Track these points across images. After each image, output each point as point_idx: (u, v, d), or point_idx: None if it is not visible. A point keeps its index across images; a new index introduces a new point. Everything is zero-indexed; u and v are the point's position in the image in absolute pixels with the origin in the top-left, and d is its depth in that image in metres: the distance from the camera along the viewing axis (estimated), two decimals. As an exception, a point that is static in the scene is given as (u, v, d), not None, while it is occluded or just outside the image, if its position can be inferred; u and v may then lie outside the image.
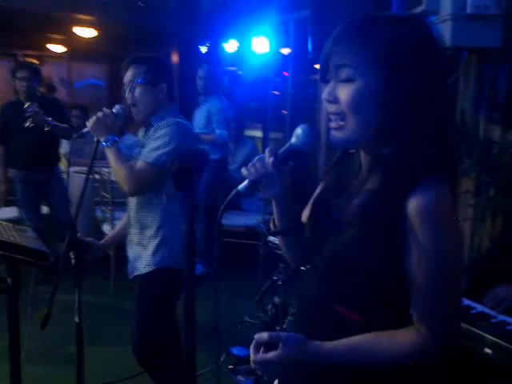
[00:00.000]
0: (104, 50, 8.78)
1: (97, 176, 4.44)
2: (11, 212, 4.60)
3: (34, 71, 4.27)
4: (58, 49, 8.79)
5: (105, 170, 4.29)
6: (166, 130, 2.23)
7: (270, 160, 1.21)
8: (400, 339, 1.08)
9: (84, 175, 4.64)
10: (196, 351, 2.13)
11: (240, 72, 7.03)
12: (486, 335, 1.77)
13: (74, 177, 4.69)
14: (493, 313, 1.97)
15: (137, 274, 2.34)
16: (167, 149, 2.21)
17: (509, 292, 2.10)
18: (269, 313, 2.84)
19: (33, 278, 2.73)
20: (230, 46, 6.52)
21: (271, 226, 1.33)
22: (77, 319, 2.08)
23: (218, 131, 4.61)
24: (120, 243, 2.64)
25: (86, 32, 7.85)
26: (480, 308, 2.01)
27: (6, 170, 4.41)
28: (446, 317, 1.08)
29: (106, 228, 4.38)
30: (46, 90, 5.63)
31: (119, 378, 3.00)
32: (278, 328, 2.62)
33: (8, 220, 3.00)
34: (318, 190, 1.31)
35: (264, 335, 1.09)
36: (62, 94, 8.48)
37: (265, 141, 6.51)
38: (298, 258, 1.29)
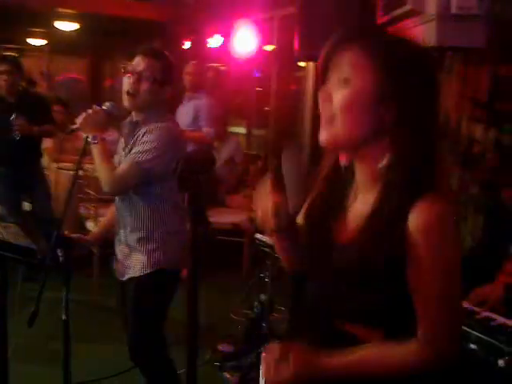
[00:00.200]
0: (85, 43, 8.70)
1: (80, 172, 4.39)
2: (-8, 208, 4.54)
3: (16, 65, 4.21)
4: (38, 42, 8.69)
5: (88, 166, 4.25)
6: (156, 136, 2.19)
7: None
8: (404, 350, 1.10)
9: (66, 171, 4.63)
10: (180, 349, 2.14)
11: (223, 68, 7.01)
12: (471, 330, 1.81)
13: (57, 173, 4.64)
14: (476, 309, 2.01)
15: (131, 276, 2.31)
16: (154, 154, 2.17)
17: (493, 291, 2.15)
18: (255, 310, 2.86)
19: (20, 275, 2.70)
20: (215, 41, 6.50)
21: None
22: (64, 316, 2.07)
23: (205, 129, 4.58)
24: (105, 239, 2.64)
25: (67, 25, 7.76)
26: (464, 305, 2.04)
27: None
28: (448, 327, 1.10)
29: (89, 225, 4.35)
30: (25, 84, 5.56)
31: (104, 376, 2.99)
32: (264, 325, 2.64)
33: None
34: (310, 200, 1.29)
35: (276, 348, 1.12)
36: (42, 88, 8.38)
37: (248, 137, 6.51)
38: (294, 260, 1.31)
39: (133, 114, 2.33)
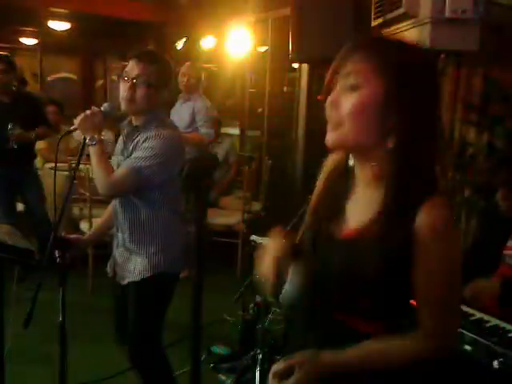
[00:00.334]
0: (78, 43, 8.66)
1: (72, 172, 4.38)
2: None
3: (10, 64, 4.19)
4: (30, 41, 8.64)
5: (82, 166, 4.24)
6: (157, 143, 2.18)
7: None
8: (404, 345, 1.14)
9: (59, 172, 4.61)
10: (175, 351, 2.14)
11: (216, 68, 7.02)
12: (465, 332, 1.83)
13: (50, 173, 4.63)
14: (471, 311, 2.04)
15: (131, 280, 2.30)
16: (154, 161, 2.16)
17: (488, 286, 2.18)
18: (250, 311, 2.86)
19: (16, 276, 2.69)
20: (208, 42, 6.50)
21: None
22: (60, 318, 2.07)
23: (203, 130, 4.57)
24: (100, 240, 2.63)
25: (59, 25, 7.73)
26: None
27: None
28: (449, 323, 1.16)
29: (83, 226, 4.34)
30: (17, 84, 5.54)
31: (101, 377, 2.99)
32: (259, 326, 2.64)
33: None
34: (312, 202, 1.32)
35: (280, 366, 1.14)
36: (33, 87, 8.33)
37: (241, 138, 6.51)
38: None
39: (132, 117, 2.32)
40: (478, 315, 1.98)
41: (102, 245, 3.18)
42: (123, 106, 2.26)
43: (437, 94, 1.17)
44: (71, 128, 2.25)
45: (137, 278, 2.28)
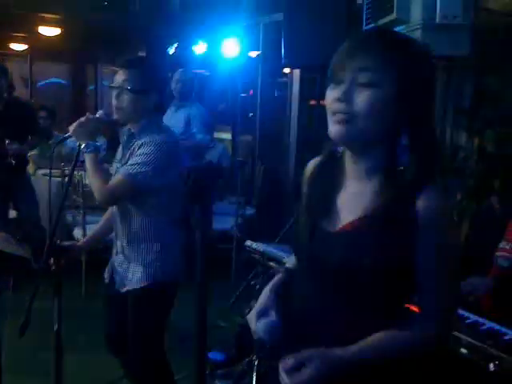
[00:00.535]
0: (68, 48, 8.63)
1: (67, 179, 4.37)
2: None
3: (3, 71, 4.18)
4: (19, 47, 8.60)
5: (75, 173, 4.23)
6: (151, 149, 2.17)
7: None
8: (409, 333, 1.18)
9: (52, 178, 4.59)
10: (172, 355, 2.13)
11: (208, 73, 7.03)
12: (461, 335, 1.85)
13: (42, 179, 4.61)
14: (466, 314, 2.05)
15: (129, 288, 2.29)
16: (147, 169, 2.16)
17: (481, 282, 2.22)
18: (246, 316, 2.86)
19: (11, 284, 2.67)
20: (199, 47, 6.51)
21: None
22: (56, 326, 2.06)
23: (199, 136, 4.57)
24: (95, 247, 2.62)
25: (49, 31, 7.70)
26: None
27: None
28: (451, 307, 1.23)
29: (77, 232, 4.32)
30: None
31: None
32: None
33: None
34: (304, 197, 1.33)
35: (290, 361, 1.12)
36: (24, 93, 8.30)
37: (234, 143, 6.53)
38: None
39: (130, 125, 2.32)
40: (473, 318, 2.00)
41: (95, 251, 3.17)
42: (114, 115, 2.28)
43: (435, 85, 1.25)
44: (66, 135, 2.25)
45: (135, 286, 2.27)
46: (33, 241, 3.74)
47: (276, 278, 1.34)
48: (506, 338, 1.85)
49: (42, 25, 7.54)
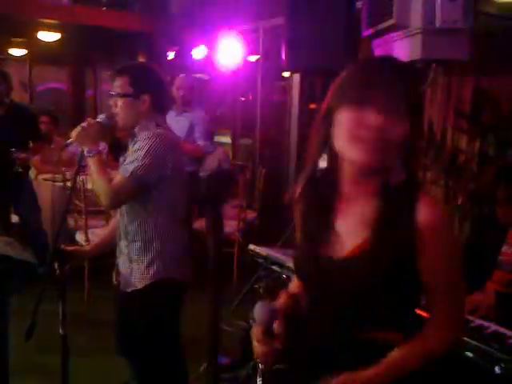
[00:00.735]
0: (67, 53, 8.64)
1: (69, 184, 4.38)
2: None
3: (4, 76, 4.20)
4: (19, 52, 8.61)
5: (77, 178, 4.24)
6: (145, 143, 2.19)
7: None
8: (423, 344, 1.21)
9: (52, 182, 4.59)
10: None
11: (207, 78, 7.04)
12: (467, 339, 1.86)
13: (43, 184, 4.61)
14: (470, 317, 2.06)
15: (133, 288, 2.30)
16: (143, 162, 2.17)
17: (485, 299, 2.20)
18: (250, 321, 2.86)
19: (16, 288, 2.68)
20: (199, 51, 6.52)
21: None
22: (61, 331, 2.07)
23: (201, 142, 4.57)
24: (101, 253, 2.63)
25: (49, 36, 7.71)
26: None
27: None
28: (461, 310, 1.27)
29: (79, 237, 4.32)
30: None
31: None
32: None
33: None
34: (300, 225, 1.35)
35: None
36: (23, 98, 8.30)
37: (233, 147, 6.54)
38: None
39: (130, 128, 2.34)
40: (478, 322, 2.01)
41: (98, 257, 3.18)
42: (118, 123, 2.33)
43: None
44: (68, 141, 2.27)
45: (138, 286, 2.28)
46: (35, 245, 3.77)
47: (282, 301, 1.36)
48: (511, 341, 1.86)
49: (41, 30, 7.55)
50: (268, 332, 1.24)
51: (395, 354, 1.19)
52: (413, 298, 1.24)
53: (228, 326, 3.54)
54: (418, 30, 2.98)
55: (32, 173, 4.82)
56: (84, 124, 2.22)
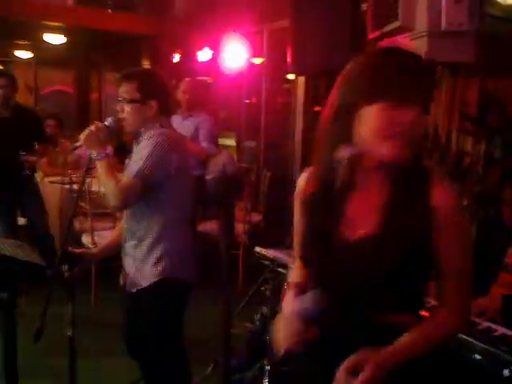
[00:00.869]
0: (72, 56, 8.69)
1: (75, 186, 4.40)
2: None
3: (11, 79, 4.22)
4: (25, 55, 8.66)
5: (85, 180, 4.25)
6: (148, 142, 2.22)
7: None
8: (435, 325, 1.26)
9: (60, 185, 4.62)
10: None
11: (212, 81, 7.05)
12: (475, 342, 1.86)
13: (50, 187, 4.63)
14: (476, 320, 2.06)
15: (139, 288, 2.32)
16: (148, 161, 2.19)
17: (491, 303, 2.20)
18: (257, 323, 2.87)
19: (24, 291, 2.69)
20: (204, 54, 6.54)
21: None
22: (69, 333, 2.08)
23: (205, 145, 4.57)
24: (108, 256, 2.64)
25: (54, 38, 7.75)
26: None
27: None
28: (469, 296, 1.30)
29: (85, 239, 4.34)
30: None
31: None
32: (268, 338, 2.65)
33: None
34: (307, 212, 1.35)
35: (348, 363, 1.17)
36: (28, 100, 8.34)
37: (238, 150, 6.54)
38: None
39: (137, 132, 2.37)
40: (485, 324, 2.01)
41: (104, 259, 3.19)
42: (125, 128, 2.35)
43: None
44: (76, 144, 2.28)
45: (143, 285, 2.30)
46: (43, 249, 3.79)
47: (290, 295, 1.36)
48: (519, 343, 1.86)
49: (46, 32, 7.59)
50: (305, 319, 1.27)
51: (409, 335, 1.21)
52: (424, 282, 1.29)
53: (234, 328, 3.54)
54: (424, 33, 2.99)
55: (38, 175, 4.84)
56: (92, 127, 2.24)
